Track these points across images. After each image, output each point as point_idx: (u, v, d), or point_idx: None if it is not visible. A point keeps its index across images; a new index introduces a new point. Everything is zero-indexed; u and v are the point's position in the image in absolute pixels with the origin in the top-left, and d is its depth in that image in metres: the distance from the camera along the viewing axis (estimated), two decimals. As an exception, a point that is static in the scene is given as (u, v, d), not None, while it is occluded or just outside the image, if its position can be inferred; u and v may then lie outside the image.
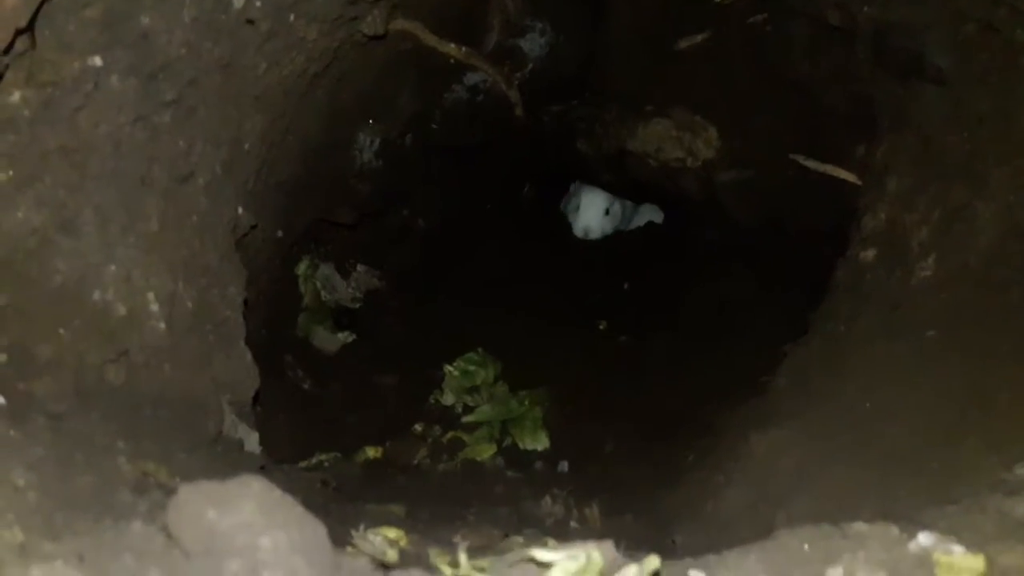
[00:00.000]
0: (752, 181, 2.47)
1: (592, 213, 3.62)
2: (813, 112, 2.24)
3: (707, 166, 2.54)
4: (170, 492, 1.04)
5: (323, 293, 2.86)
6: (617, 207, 3.67)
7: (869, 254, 1.81)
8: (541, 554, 0.82)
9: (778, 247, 2.51)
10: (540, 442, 2.46)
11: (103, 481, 0.99)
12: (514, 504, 1.98)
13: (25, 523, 0.79)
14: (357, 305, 2.95)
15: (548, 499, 1.93)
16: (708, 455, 1.75)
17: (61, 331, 1.32)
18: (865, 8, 1.82)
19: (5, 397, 1.14)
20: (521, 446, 2.46)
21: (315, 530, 0.78)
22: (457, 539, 1.49)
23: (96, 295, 1.39)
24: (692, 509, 1.55)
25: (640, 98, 2.73)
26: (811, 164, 2.24)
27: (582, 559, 0.80)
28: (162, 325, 1.48)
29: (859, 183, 2.05)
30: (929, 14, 1.72)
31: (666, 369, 2.64)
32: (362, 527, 1.38)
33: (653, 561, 0.82)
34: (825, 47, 2.11)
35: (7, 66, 1.13)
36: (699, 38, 2.64)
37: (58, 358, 1.28)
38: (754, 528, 1.24)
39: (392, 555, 1.25)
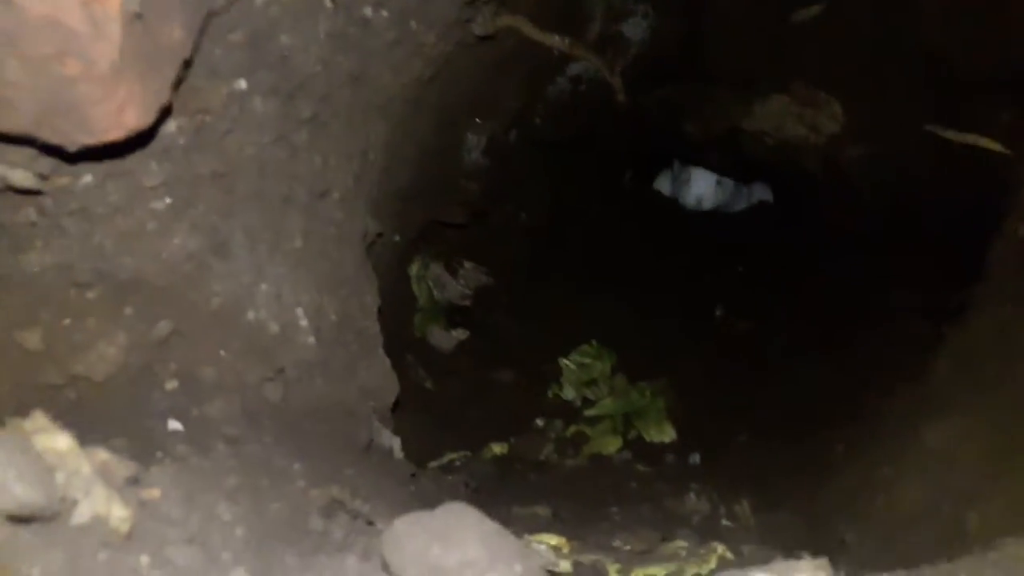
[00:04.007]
0: (883, 156, 2.35)
1: (705, 182, 3.63)
2: (948, 80, 2.12)
3: (832, 142, 2.44)
4: (355, 515, 1.05)
5: (435, 292, 2.87)
6: (727, 180, 3.65)
7: (1032, 229, 1.71)
8: (765, 578, 0.78)
9: (908, 225, 2.40)
10: (666, 434, 2.43)
11: (292, 508, 1.00)
12: (655, 501, 1.95)
13: (243, 562, 0.80)
14: (468, 302, 2.95)
15: (692, 495, 1.89)
16: (864, 446, 1.68)
17: (222, 353, 1.34)
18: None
19: (183, 423, 1.16)
20: (647, 439, 2.43)
21: (533, 561, 0.76)
22: (617, 543, 1.47)
23: (251, 315, 1.40)
24: (858, 505, 1.48)
25: (753, 75, 2.64)
26: (950, 135, 2.12)
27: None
28: (312, 339, 1.50)
29: (1007, 152, 1.93)
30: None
31: (791, 355, 2.56)
32: (525, 536, 1.38)
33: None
34: (960, 12, 1.99)
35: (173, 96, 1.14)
36: (815, 9, 2.54)
37: (222, 380, 1.31)
38: (941, 529, 1.18)
39: (566, 566, 1.24)
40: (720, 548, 1.31)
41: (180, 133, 1.29)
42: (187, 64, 1.07)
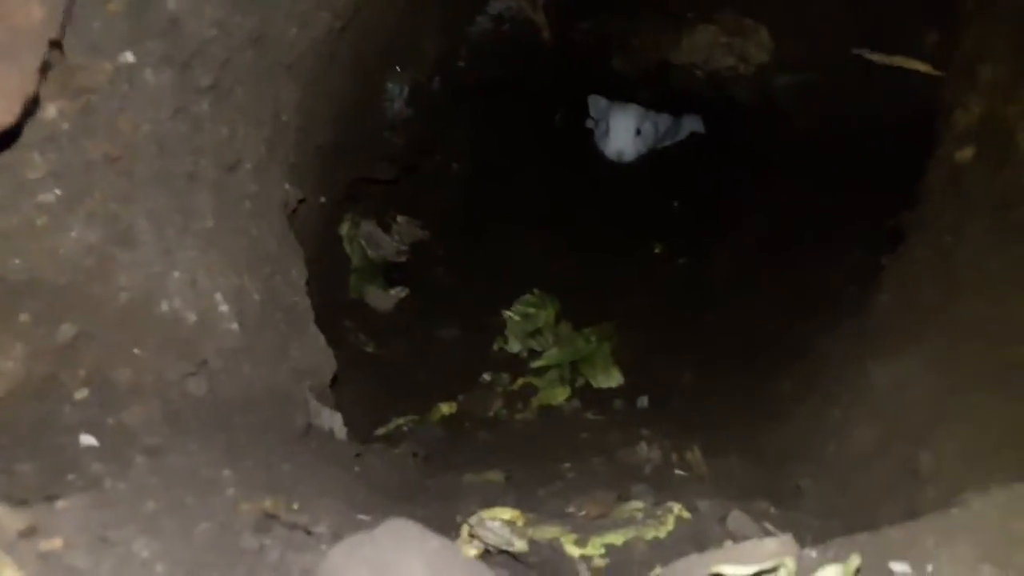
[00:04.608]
0: (812, 82, 2.31)
1: (622, 135, 3.39)
2: (873, 4, 2.07)
3: (761, 71, 2.38)
4: (292, 526, 0.98)
5: (369, 251, 2.78)
6: (649, 125, 3.45)
7: (967, 153, 1.67)
8: (729, 569, 0.74)
9: (841, 151, 2.37)
10: (614, 379, 2.40)
11: (221, 527, 0.92)
12: (607, 452, 1.92)
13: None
14: (404, 258, 2.86)
15: (643, 444, 1.87)
16: (811, 384, 1.66)
17: (136, 351, 1.25)
18: None
19: (97, 437, 1.08)
20: (594, 385, 2.40)
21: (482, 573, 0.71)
22: (571, 509, 1.44)
23: (164, 306, 1.31)
24: (810, 448, 1.47)
25: (678, 5, 2.56)
26: (877, 58, 2.08)
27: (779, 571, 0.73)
28: (235, 325, 1.41)
29: (936, 74, 1.89)
30: None
31: (734, 290, 2.54)
32: (474, 511, 1.33)
33: (854, 560, 0.75)
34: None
35: (41, 82, 1.02)
36: (733, -65, 2.45)
37: (139, 381, 1.22)
38: (894, 471, 1.16)
39: (521, 545, 1.19)
40: (676, 508, 1.28)
41: (63, 118, 1.17)
42: (55, 44, 0.95)
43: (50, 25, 0.93)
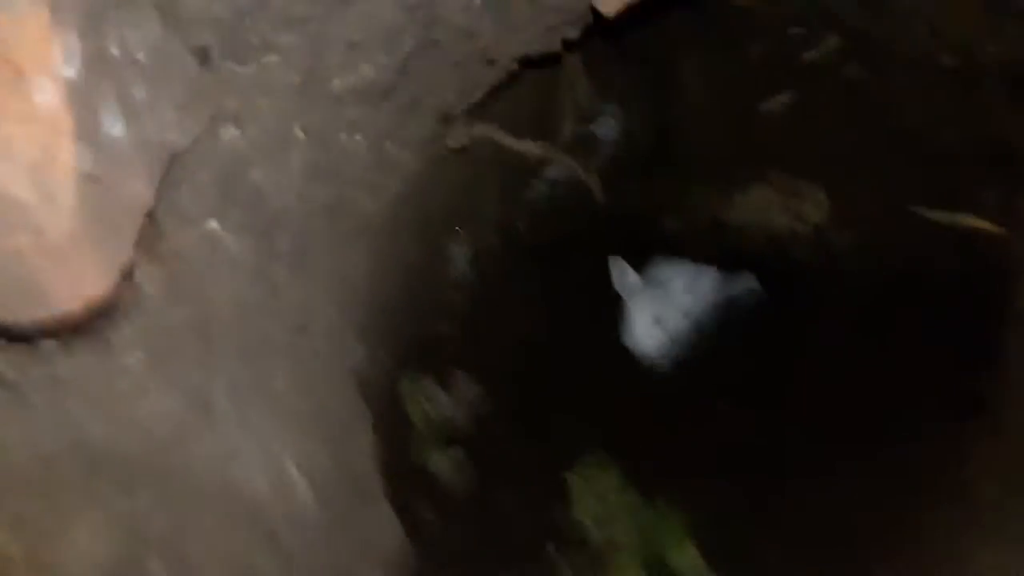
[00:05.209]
0: (870, 242, 2.30)
1: (640, 328, 2.82)
2: (929, 160, 2.09)
3: (819, 230, 2.39)
4: None
5: (428, 409, 2.75)
6: (675, 311, 2.86)
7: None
8: None
9: (906, 313, 2.32)
10: (688, 555, 2.27)
11: None
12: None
13: None
14: (463, 419, 2.82)
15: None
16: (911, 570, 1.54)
17: (208, 525, 1.21)
18: (989, 48, 1.69)
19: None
20: (669, 564, 2.27)
21: None
22: None
23: (238, 475, 1.28)
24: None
25: (728, 166, 2.61)
26: (938, 216, 2.06)
27: None
28: (307, 495, 1.37)
29: (1001, 231, 1.87)
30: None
31: (806, 453, 2.43)
32: None
33: None
34: (937, 90, 1.97)
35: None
36: (783, 99, 2.52)
37: (211, 557, 1.17)
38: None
39: None
40: None
41: (150, 283, 1.19)
42: (150, 214, 0.98)
43: (147, 197, 0.96)
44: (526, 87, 2.24)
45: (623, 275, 2.92)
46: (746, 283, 3.42)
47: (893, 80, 2.08)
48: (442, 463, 2.55)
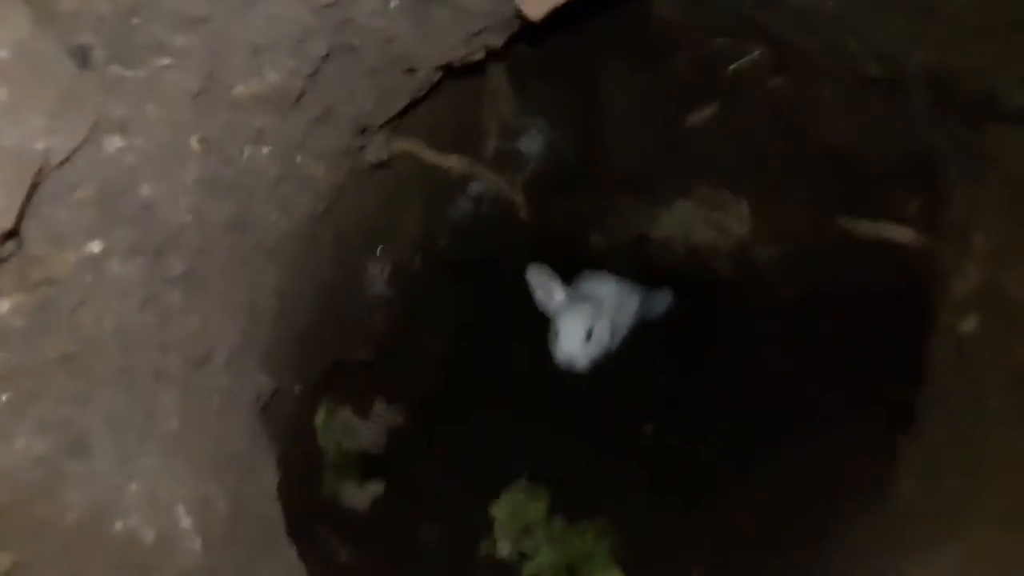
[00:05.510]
0: (794, 254, 2.28)
1: (571, 340, 2.76)
2: (852, 171, 2.07)
3: (742, 244, 2.35)
4: None
5: (344, 442, 2.61)
6: (604, 324, 2.83)
7: (970, 323, 1.61)
8: None
9: (832, 323, 2.31)
10: (614, 580, 2.21)
11: None
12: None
13: None
14: (381, 449, 2.70)
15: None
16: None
17: (83, 582, 1.07)
18: (916, 54, 1.66)
19: None
20: (595, 592, 2.20)
21: None
22: None
23: (118, 525, 1.14)
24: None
25: (653, 181, 2.56)
26: (861, 227, 2.05)
27: None
28: (197, 544, 1.24)
29: (923, 240, 1.86)
30: (995, 52, 1.56)
31: (734, 472, 2.40)
32: None
33: None
34: (862, 101, 1.95)
35: (-8, 277, 0.91)
36: (708, 112, 2.49)
37: (85, 620, 1.03)
38: None
39: None
40: None
41: (16, 314, 1.05)
42: (10, 235, 0.84)
43: (6, 217, 0.83)
44: (449, 99, 2.14)
45: (548, 291, 2.91)
46: (669, 297, 3.38)
47: (819, 91, 2.06)
48: (357, 496, 2.42)
